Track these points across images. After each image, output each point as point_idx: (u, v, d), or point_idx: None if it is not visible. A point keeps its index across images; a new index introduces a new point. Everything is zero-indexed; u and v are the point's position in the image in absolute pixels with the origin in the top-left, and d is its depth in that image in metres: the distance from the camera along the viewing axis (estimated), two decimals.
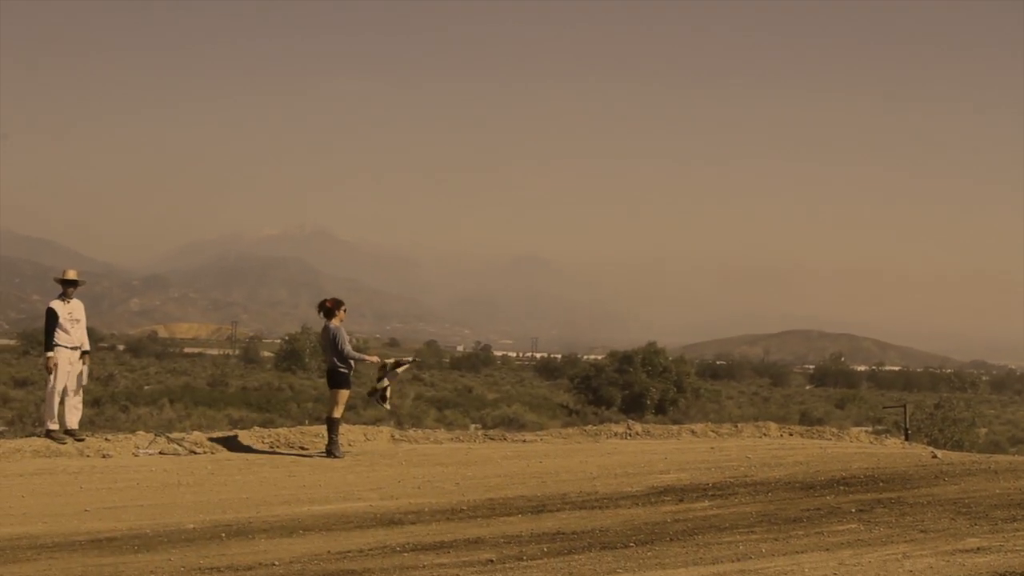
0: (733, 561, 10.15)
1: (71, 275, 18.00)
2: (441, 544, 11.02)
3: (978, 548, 10.71)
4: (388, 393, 18.88)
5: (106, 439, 18.07)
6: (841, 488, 15.25)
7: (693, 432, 22.67)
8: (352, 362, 18.16)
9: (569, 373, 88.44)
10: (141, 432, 19.23)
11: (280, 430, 19.83)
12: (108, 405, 48.46)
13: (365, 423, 19.40)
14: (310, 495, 14.28)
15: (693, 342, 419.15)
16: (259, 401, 57.73)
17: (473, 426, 46.71)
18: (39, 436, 17.98)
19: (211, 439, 18.63)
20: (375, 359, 18.70)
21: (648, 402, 66.93)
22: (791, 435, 23.23)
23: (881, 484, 15.66)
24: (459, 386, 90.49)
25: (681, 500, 14.08)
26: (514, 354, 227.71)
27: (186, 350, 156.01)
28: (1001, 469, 17.56)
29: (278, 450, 18.44)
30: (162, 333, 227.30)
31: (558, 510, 13.26)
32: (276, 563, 10.14)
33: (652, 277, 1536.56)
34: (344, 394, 18.10)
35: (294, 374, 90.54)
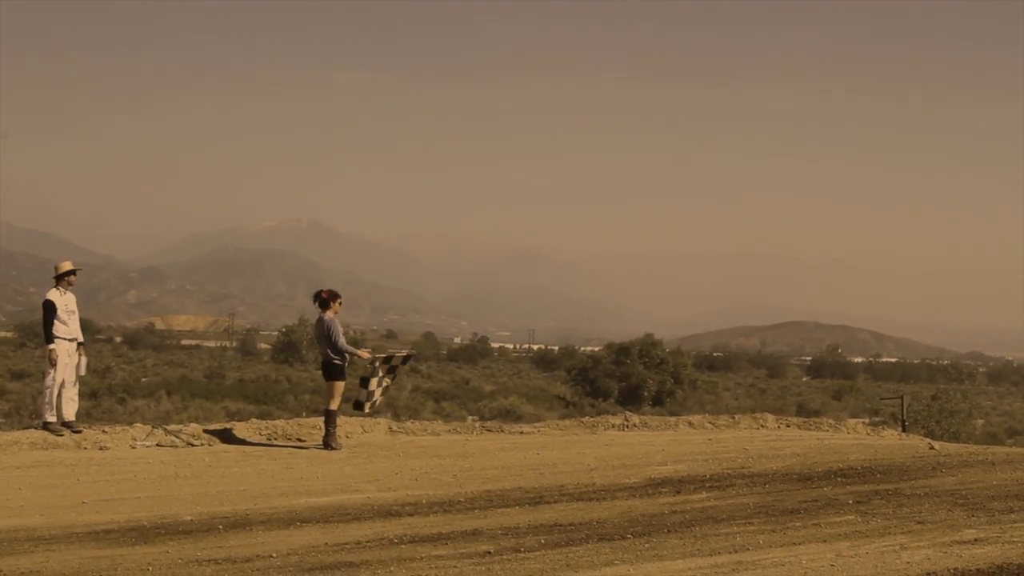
0: (730, 553, 10.17)
1: (67, 266, 17.98)
2: (439, 536, 11.03)
3: (975, 539, 10.74)
4: (375, 396, 18.72)
5: (103, 431, 18.05)
6: (838, 479, 15.27)
7: (690, 424, 22.67)
8: (347, 355, 18.16)
9: (566, 365, 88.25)
10: (138, 424, 19.21)
11: (277, 422, 19.82)
12: (105, 397, 48.34)
13: (363, 415, 19.32)
14: (307, 487, 14.27)
15: (690, 334, 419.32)
16: (256, 393, 57.59)
17: (470, 418, 46.67)
18: (36, 428, 17.97)
19: (208, 431, 18.62)
20: (367, 355, 18.61)
21: (645, 394, 66.87)
22: (788, 427, 23.25)
23: (878, 475, 15.68)
24: (456, 378, 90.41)
25: (678, 492, 14.09)
26: (511, 346, 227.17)
27: (183, 342, 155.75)
28: (998, 460, 17.61)
29: (275, 442, 18.43)
30: (159, 325, 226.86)
31: (555, 502, 13.27)
32: (274, 555, 10.14)
33: (649, 270, 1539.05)
34: (340, 386, 18.09)
35: (291, 366, 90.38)
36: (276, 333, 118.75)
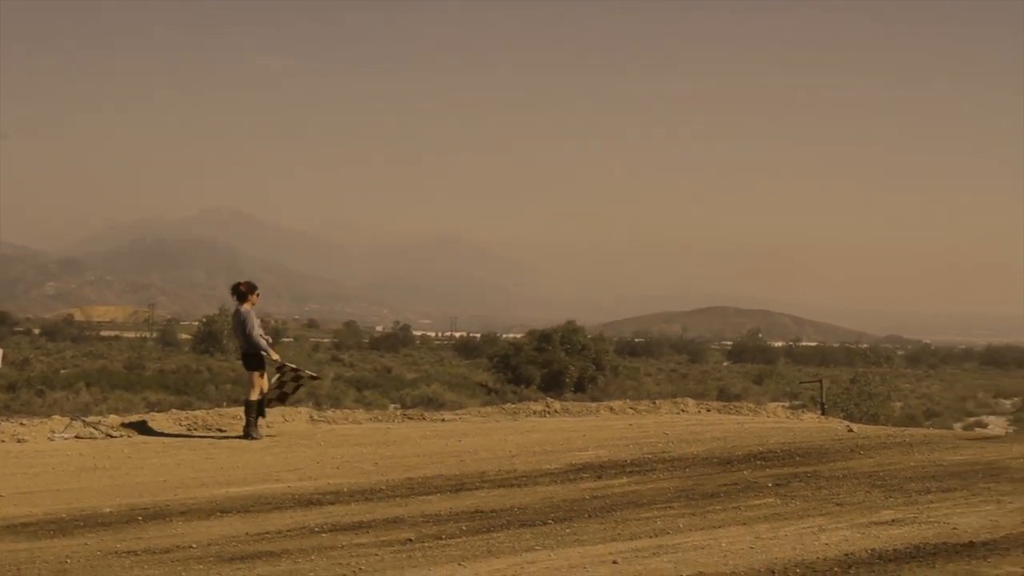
0: (651, 537, 10.23)
1: None
2: (360, 524, 11.02)
3: (893, 520, 10.87)
4: (272, 396, 18.66)
5: (21, 424, 17.87)
6: (758, 463, 15.39)
7: (611, 409, 22.76)
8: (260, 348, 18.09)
9: (488, 352, 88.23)
10: (57, 416, 19.00)
11: (198, 412, 19.70)
12: (23, 390, 47.95)
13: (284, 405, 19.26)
14: (228, 477, 14.20)
15: (612, 320, 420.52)
16: (177, 384, 57.35)
17: (392, 406, 46.70)
18: None
19: (128, 423, 18.45)
20: (277, 357, 18.52)
21: (567, 380, 66.97)
22: (709, 411, 23.39)
23: (797, 458, 15.84)
24: (378, 366, 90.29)
25: (599, 477, 14.15)
26: (433, 334, 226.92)
27: (103, 333, 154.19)
28: (915, 442, 17.85)
29: (196, 433, 18.31)
30: (78, 316, 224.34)
31: (477, 488, 13.29)
32: (193, 546, 10.09)
33: (571, 256, 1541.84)
34: (260, 375, 18.04)
35: (212, 356, 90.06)
36: (197, 323, 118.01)
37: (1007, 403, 73.60)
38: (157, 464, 15.28)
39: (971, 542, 9.74)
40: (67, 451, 16.21)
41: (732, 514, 11.37)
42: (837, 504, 11.89)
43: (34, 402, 43.73)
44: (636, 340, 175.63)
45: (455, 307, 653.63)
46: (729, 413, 23.38)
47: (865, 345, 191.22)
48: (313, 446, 17.31)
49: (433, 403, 46.97)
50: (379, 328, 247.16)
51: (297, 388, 18.91)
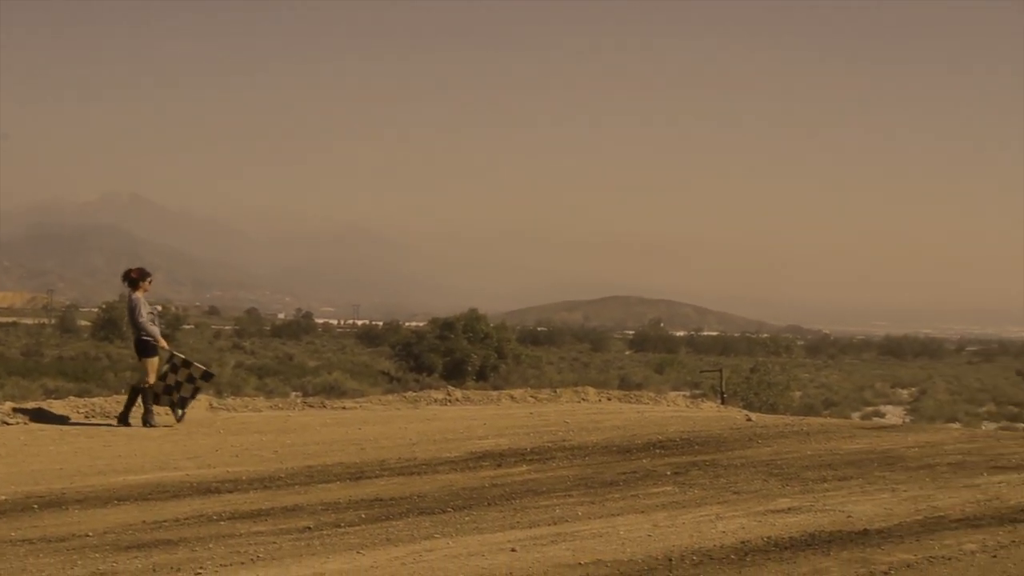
0: (550, 524, 10.26)
1: None
2: (258, 512, 10.97)
3: (789, 508, 10.99)
4: (185, 402, 18.42)
5: None
6: (657, 451, 15.51)
7: (512, 398, 22.84)
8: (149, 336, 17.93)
9: (390, 340, 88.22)
10: None
11: (96, 400, 19.52)
12: None
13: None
14: (125, 465, 14.08)
15: (514, 309, 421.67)
16: (75, 371, 56.71)
17: (293, 394, 46.51)
18: None
19: (24, 409, 18.24)
20: (166, 345, 18.35)
21: (469, 368, 67.04)
22: (609, 400, 23.55)
23: (696, 447, 15.97)
24: (280, 354, 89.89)
25: (499, 465, 14.19)
26: (335, 321, 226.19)
27: (0, 320, 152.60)
28: (812, 431, 18.08)
29: (94, 420, 18.15)
30: None
31: (377, 477, 13.28)
32: (90, 534, 10.00)
33: (473, 245, 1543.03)
34: (154, 362, 17.90)
35: (111, 343, 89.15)
36: (96, 310, 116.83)
37: (904, 393, 74.61)
38: (54, 452, 15.11)
39: (865, 530, 9.86)
40: None
41: (631, 502, 11.44)
42: (735, 492, 12.00)
43: None
44: (538, 329, 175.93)
45: (358, 295, 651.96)
46: (630, 402, 23.55)
47: (765, 335, 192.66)
48: (213, 434, 17.21)
49: (334, 391, 46.77)
50: (281, 316, 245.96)
51: (195, 392, 18.61)
